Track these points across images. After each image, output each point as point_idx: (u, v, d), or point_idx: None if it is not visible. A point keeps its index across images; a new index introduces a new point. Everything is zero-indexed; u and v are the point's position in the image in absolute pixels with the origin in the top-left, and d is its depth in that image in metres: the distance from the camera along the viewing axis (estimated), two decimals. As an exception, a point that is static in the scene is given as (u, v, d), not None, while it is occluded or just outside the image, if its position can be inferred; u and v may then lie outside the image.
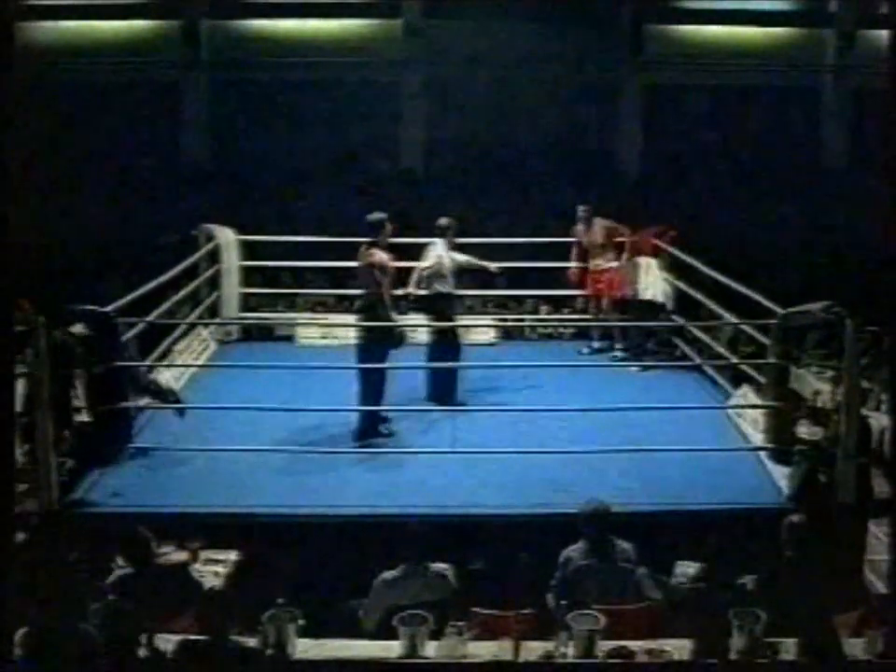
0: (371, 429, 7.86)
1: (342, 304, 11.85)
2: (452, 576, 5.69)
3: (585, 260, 10.08)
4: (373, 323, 7.74)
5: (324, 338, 10.62)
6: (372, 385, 7.77)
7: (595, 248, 10.03)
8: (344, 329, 10.55)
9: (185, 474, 7.24)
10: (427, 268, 8.58)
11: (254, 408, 7.85)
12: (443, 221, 8.78)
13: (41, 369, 6.54)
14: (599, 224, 10.05)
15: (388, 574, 5.68)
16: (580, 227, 10.12)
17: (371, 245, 7.84)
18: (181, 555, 5.90)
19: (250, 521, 6.65)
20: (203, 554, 6.13)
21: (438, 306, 8.67)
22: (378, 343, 7.77)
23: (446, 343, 8.66)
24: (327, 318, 11.33)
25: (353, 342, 8.08)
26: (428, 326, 8.70)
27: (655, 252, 10.43)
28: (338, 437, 7.66)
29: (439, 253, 8.66)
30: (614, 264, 9.95)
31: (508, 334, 10.84)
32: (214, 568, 6.06)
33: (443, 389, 8.51)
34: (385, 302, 7.76)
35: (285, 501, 6.86)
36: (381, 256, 7.77)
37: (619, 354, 9.89)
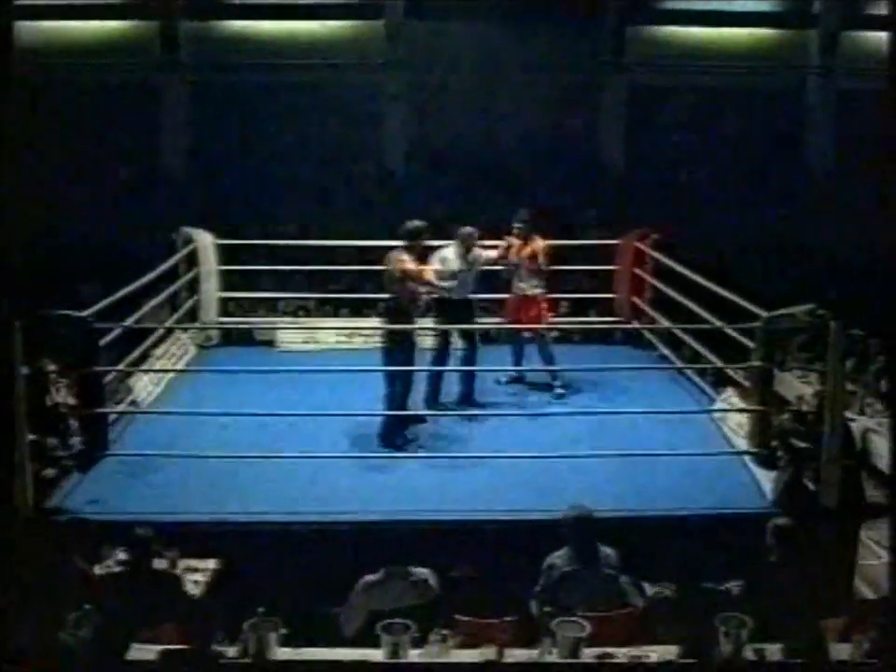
0: (395, 434, 7.93)
1: (323, 308, 11.90)
2: (434, 580, 5.69)
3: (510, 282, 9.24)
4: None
5: (305, 343, 10.58)
6: (398, 389, 7.87)
7: (525, 269, 9.05)
8: (325, 334, 10.63)
9: (164, 481, 7.21)
10: (437, 272, 8.53)
11: (233, 414, 7.79)
12: (465, 230, 8.74)
13: (16, 373, 6.50)
14: (537, 243, 9.06)
15: (369, 578, 5.67)
16: (514, 242, 9.07)
17: (405, 250, 7.91)
18: (159, 563, 5.86)
19: (230, 528, 6.63)
20: (182, 563, 6.09)
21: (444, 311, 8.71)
22: (404, 347, 7.85)
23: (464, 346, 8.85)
24: (308, 323, 11.36)
25: (378, 345, 8.17)
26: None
27: (638, 257, 10.48)
28: (320, 441, 7.63)
29: (444, 256, 8.65)
30: (538, 291, 9.06)
31: (497, 337, 10.83)
32: (193, 577, 6.02)
33: (463, 391, 8.76)
34: (411, 308, 7.94)
35: (266, 508, 6.84)
36: (412, 265, 7.84)
37: (560, 391, 9.02)
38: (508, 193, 14.95)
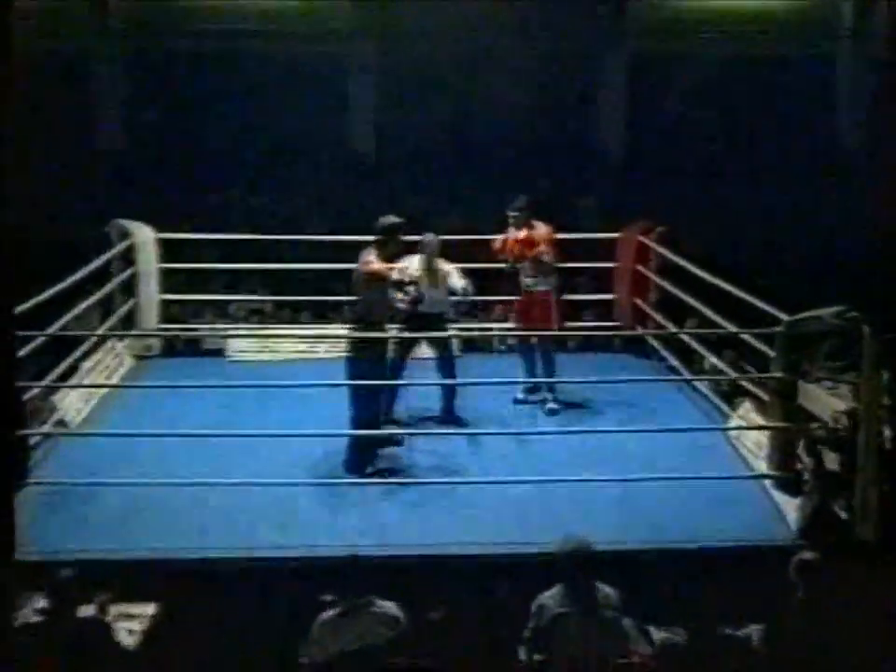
0: (367, 458, 7.87)
1: (280, 313, 11.85)
2: (401, 613, 5.65)
3: (515, 281, 9.20)
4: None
5: (260, 352, 10.57)
6: (364, 405, 7.81)
7: (528, 265, 9.02)
8: (283, 342, 10.58)
9: (94, 513, 7.13)
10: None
11: (176, 434, 7.74)
12: (429, 240, 8.74)
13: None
14: (539, 232, 9.00)
15: (328, 614, 5.63)
16: (510, 234, 9.06)
17: (375, 249, 7.87)
18: (87, 610, 5.77)
19: (172, 567, 6.56)
20: (115, 608, 6.00)
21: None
22: (371, 356, 7.79)
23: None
24: (263, 329, 11.35)
25: (343, 355, 8.09)
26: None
27: (641, 252, 10.45)
28: (278, 466, 7.57)
29: (405, 267, 8.60)
30: (543, 289, 9.01)
31: (473, 345, 10.79)
32: (127, 625, 5.94)
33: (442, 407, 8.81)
34: (382, 313, 7.91)
35: (214, 542, 6.78)
36: (379, 266, 7.79)
37: (553, 406, 9.11)
38: (494, 180, 14.96)
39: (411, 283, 8.24)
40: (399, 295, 8.20)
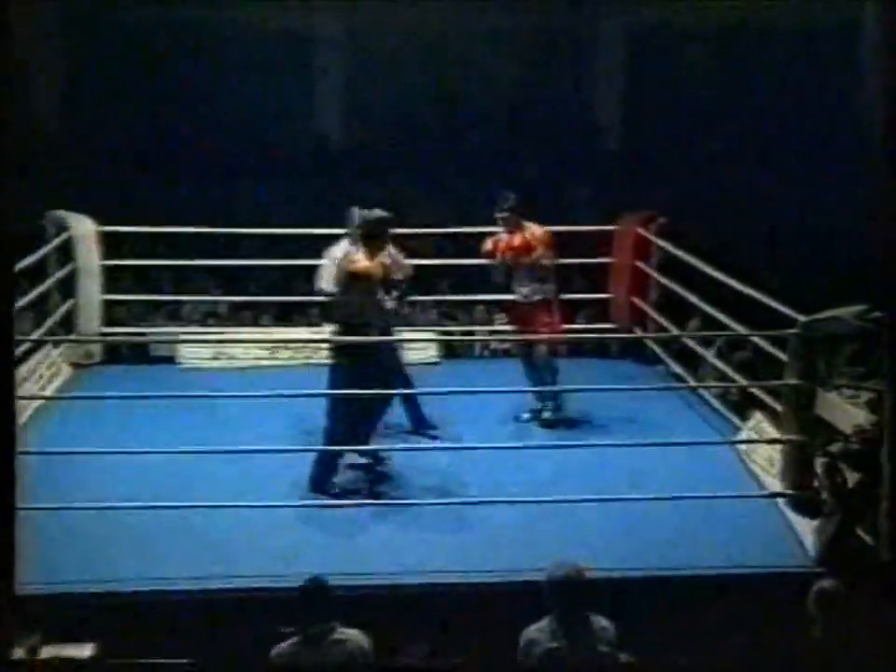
0: (330, 475, 7.84)
1: (239, 315, 11.80)
2: (366, 642, 5.59)
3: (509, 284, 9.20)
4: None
5: (216, 358, 10.57)
6: (343, 418, 7.74)
7: (521, 269, 8.99)
8: (242, 348, 10.53)
9: (23, 541, 6.90)
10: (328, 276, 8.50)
11: (118, 452, 7.67)
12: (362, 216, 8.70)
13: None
14: (532, 232, 8.98)
15: (284, 645, 5.57)
16: (502, 236, 9.03)
17: (363, 245, 7.87)
18: (15, 653, 5.67)
19: (113, 601, 6.52)
20: (47, 650, 5.90)
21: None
22: (357, 362, 7.70)
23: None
24: (219, 334, 11.35)
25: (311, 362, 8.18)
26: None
27: (641, 247, 10.43)
28: (234, 486, 7.54)
29: (334, 255, 8.56)
30: (539, 297, 8.97)
31: (453, 351, 10.76)
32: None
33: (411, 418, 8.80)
34: (369, 316, 7.85)
35: (162, 573, 6.72)
36: (368, 264, 7.78)
37: (547, 416, 9.04)
38: (477, 165, 14.95)
39: (401, 280, 8.19)
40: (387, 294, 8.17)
